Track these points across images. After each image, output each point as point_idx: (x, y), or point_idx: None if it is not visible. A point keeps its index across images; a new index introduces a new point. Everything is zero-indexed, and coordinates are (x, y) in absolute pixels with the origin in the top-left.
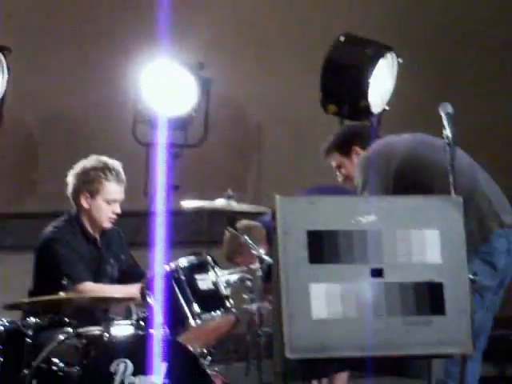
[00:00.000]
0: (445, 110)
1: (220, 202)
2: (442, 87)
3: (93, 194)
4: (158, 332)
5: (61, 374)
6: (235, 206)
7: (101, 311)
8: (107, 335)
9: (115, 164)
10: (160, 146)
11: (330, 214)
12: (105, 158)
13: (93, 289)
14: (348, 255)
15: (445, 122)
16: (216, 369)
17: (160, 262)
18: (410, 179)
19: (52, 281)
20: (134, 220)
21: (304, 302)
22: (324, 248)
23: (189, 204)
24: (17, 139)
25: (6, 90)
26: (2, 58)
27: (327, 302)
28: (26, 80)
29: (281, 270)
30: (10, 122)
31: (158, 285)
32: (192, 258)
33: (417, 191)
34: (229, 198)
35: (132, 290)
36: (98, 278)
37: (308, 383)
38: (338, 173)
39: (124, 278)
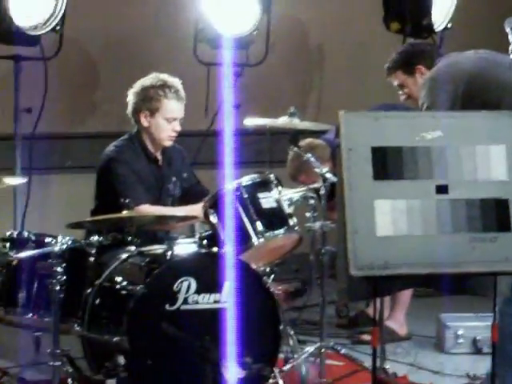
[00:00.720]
0: (511, 26)
1: (283, 120)
2: (506, 2)
3: (152, 112)
4: (222, 250)
5: (124, 292)
6: (298, 123)
7: (163, 232)
8: (170, 253)
9: (174, 81)
10: (222, 66)
11: (394, 130)
12: (164, 76)
13: (151, 211)
14: (413, 172)
15: (511, 38)
16: (279, 287)
17: (223, 181)
18: (478, 100)
19: (113, 200)
20: (196, 140)
21: (368, 219)
22: (388, 164)
23: (251, 122)
24: (78, 61)
25: (65, 12)
26: None
27: (392, 218)
28: (86, 1)
29: (345, 187)
30: (71, 43)
31: (221, 203)
32: (255, 177)
33: None
34: (291, 115)
35: (195, 209)
36: (159, 197)
37: (371, 301)
38: (400, 92)
39: (186, 197)
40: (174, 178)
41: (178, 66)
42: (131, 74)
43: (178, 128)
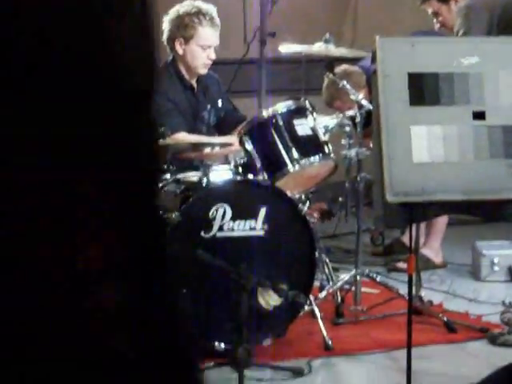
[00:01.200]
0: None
1: (318, 47)
2: None
3: (187, 39)
4: (257, 177)
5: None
6: (333, 50)
7: (199, 160)
8: (206, 181)
9: (209, 8)
10: None
11: (431, 56)
12: (199, 3)
13: (187, 139)
14: (449, 98)
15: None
16: (314, 215)
17: (258, 109)
18: None
19: None
20: (232, 68)
21: (404, 145)
22: (425, 90)
23: (287, 49)
24: None
25: None
26: None
27: (428, 144)
28: None
29: (381, 113)
30: None
31: (256, 131)
32: (290, 104)
33: None
34: (327, 42)
35: (231, 138)
36: (194, 125)
37: (406, 229)
38: (434, 20)
39: (222, 125)
40: (208, 106)
41: None
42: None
43: (213, 56)
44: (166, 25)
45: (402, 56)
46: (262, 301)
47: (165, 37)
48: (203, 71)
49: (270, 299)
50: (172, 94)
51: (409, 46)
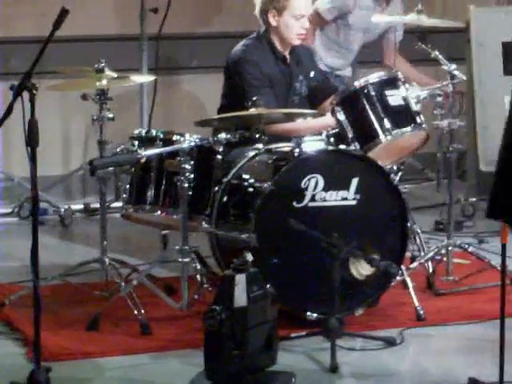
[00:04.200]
0: None
1: (410, 17)
2: None
3: (280, 10)
4: (349, 148)
5: (251, 189)
6: (425, 20)
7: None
8: (298, 151)
9: None
10: None
11: None
12: None
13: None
14: None
15: None
16: (405, 186)
17: (350, 79)
18: None
19: (241, 100)
20: None
21: (498, 115)
22: None
23: (379, 19)
24: None
25: None
26: None
27: None
28: None
29: (475, 83)
30: None
31: (348, 101)
32: (382, 74)
33: None
34: (419, 12)
35: (324, 120)
36: (287, 96)
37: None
38: None
39: (313, 95)
40: (301, 77)
41: None
42: None
43: (307, 25)
44: None
45: (496, 25)
46: (353, 271)
47: (257, 9)
48: (297, 42)
49: (362, 269)
50: (265, 66)
51: (503, 14)
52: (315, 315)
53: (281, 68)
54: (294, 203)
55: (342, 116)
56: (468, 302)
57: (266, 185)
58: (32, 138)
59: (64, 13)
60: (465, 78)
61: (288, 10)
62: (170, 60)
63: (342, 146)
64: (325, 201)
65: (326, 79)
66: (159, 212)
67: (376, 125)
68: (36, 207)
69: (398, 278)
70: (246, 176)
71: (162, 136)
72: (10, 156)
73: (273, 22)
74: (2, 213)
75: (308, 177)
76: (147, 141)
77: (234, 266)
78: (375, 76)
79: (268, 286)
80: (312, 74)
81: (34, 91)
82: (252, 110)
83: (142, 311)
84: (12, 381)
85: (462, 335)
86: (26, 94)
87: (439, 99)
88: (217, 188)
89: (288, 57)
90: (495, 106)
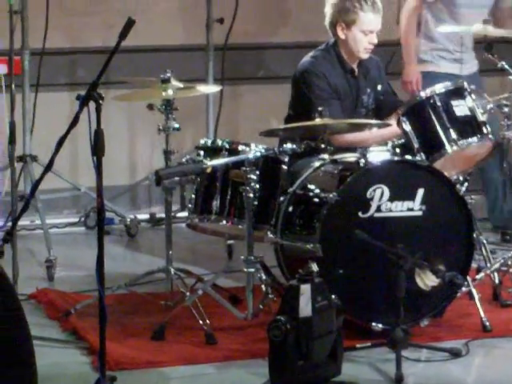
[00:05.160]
0: None
1: (477, 28)
2: None
3: (349, 24)
4: (415, 158)
5: (317, 200)
6: (492, 31)
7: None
8: (364, 161)
9: None
10: None
11: None
12: None
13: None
14: None
15: None
16: (472, 197)
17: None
18: None
19: (308, 111)
20: (388, 50)
21: None
22: None
23: (445, 30)
24: None
25: None
26: None
27: None
28: None
29: None
30: None
31: (414, 111)
32: (448, 84)
33: None
34: (485, 22)
35: (389, 131)
36: (354, 109)
37: None
38: None
39: (381, 109)
40: (368, 90)
41: None
42: None
43: (375, 40)
44: (328, 8)
45: None
46: (419, 281)
47: (327, 20)
48: (365, 56)
49: (427, 280)
50: (333, 78)
51: None
52: (380, 326)
53: (348, 80)
54: (360, 213)
55: (407, 126)
56: None
57: (331, 195)
58: (98, 148)
59: (130, 23)
60: None
61: (356, 25)
62: (236, 70)
63: (408, 157)
64: (390, 211)
65: (393, 93)
66: (225, 222)
67: (442, 135)
68: (102, 217)
69: (464, 288)
70: (311, 186)
71: (227, 146)
72: (76, 166)
73: (341, 35)
74: (68, 222)
75: (374, 187)
76: (213, 151)
77: (299, 276)
78: (441, 86)
79: (333, 296)
80: (379, 87)
81: (101, 101)
82: (318, 120)
83: (207, 321)
84: None
85: None
86: (92, 104)
87: (506, 109)
88: (282, 198)
89: (356, 69)
90: None
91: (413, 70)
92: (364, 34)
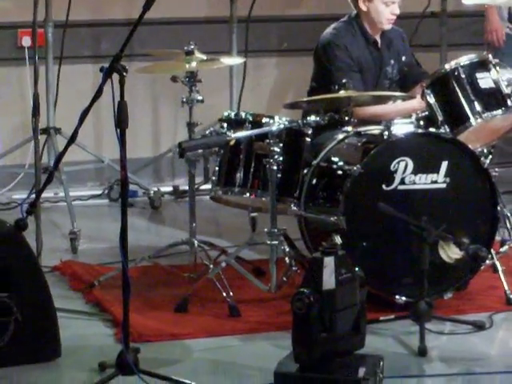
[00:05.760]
0: None
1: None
2: None
3: None
4: (439, 131)
5: (340, 172)
6: None
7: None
8: (388, 133)
9: None
10: None
11: None
12: None
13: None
14: None
15: None
16: (496, 170)
17: (440, 63)
18: None
19: (330, 83)
20: (413, 21)
21: None
22: None
23: (470, 2)
24: None
25: None
26: None
27: None
28: None
29: None
30: None
31: (439, 84)
32: (473, 57)
33: None
34: None
35: (413, 103)
36: (377, 80)
37: None
38: None
39: (405, 80)
40: (392, 61)
41: None
42: None
43: (397, 11)
44: None
45: None
46: (443, 254)
47: None
48: (387, 27)
49: (451, 253)
50: (355, 50)
51: None
52: (404, 298)
53: (371, 52)
54: (384, 186)
55: (432, 99)
56: None
57: (355, 168)
58: (121, 120)
59: None
60: None
61: None
62: (260, 42)
63: (432, 129)
64: (414, 184)
65: (417, 64)
66: (248, 194)
67: (466, 108)
68: (125, 189)
69: (488, 261)
70: (335, 159)
71: (251, 118)
72: (100, 138)
73: (363, 7)
74: (92, 194)
75: (397, 160)
76: (236, 123)
77: (322, 249)
78: (465, 58)
79: (356, 268)
80: (403, 58)
81: (124, 73)
82: (342, 93)
83: (231, 293)
84: (101, 361)
85: None
86: (115, 76)
87: None
88: (306, 171)
89: (379, 40)
90: None
91: (496, 19)
92: (386, 5)
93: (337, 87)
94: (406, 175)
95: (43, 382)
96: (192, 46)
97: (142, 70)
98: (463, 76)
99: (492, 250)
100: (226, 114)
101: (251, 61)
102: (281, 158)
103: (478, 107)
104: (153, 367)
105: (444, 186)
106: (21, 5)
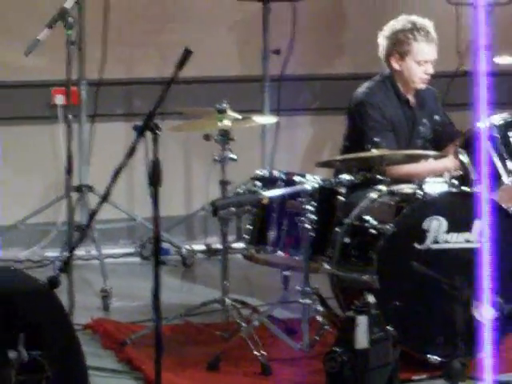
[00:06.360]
0: None
1: None
2: None
3: (403, 55)
4: (472, 189)
5: (373, 231)
6: None
7: None
8: (420, 192)
9: (425, 23)
10: (471, 5)
11: None
12: (414, 18)
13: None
14: None
15: None
16: None
17: (473, 122)
18: None
19: (363, 142)
20: (445, 81)
21: None
22: None
23: (503, 61)
24: (326, 2)
25: None
26: None
27: None
28: None
29: None
30: None
31: (472, 143)
32: (506, 116)
33: None
34: None
35: (446, 162)
36: (410, 140)
37: None
38: None
39: (438, 139)
40: (425, 120)
41: (427, 6)
42: (380, 15)
43: (431, 70)
44: (381, 40)
45: None
46: (476, 313)
47: (381, 52)
48: (420, 86)
49: (485, 312)
50: (388, 109)
51: None
52: (437, 358)
53: (404, 111)
54: (416, 245)
55: (465, 158)
56: None
57: (388, 226)
58: (155, 178)
59: (188, 54)
60: None
61: (411, 56)
62: (292, 101)
63: (466, 188)
64: (447, 243)
65: (450, 123)
66: (281, 253)
67: (499, 167)
68: (158, 247)
69: None
70: (367, 217)
71: (283, 177)
72: (132, 196)
73: (396, 66)
74: (124, 253)
75: (430, 218)
76: (269, 181)
77: (355, 308)
78: (499, 118)
79: (389, 327)
80: (436, 117)
81: (157, 131)
82: (374, 151)
83: (263, 352)
84: None
85: None
86: (149, 135)
87: None
88: (338, 229)
89: (412, 99)
90: None
91: None
92: (419, 65)
93: (370, 146)
94: (439, 234)
95: None
96: (224, 105)
97: (175, 128)
98: (496, 135)
99: None
100: (258, 172)
101: (284, 119)
102: (313, 217)
103: (510, 166)
104: None
105: (478, 244)
106: (54, 63)
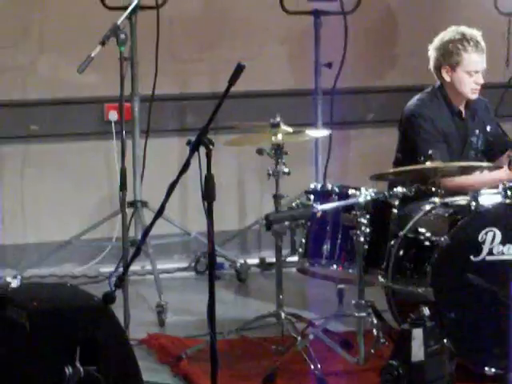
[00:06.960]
0: None
1: None
2: None
3: (453, 66)
4: None
5: (428, 243)
6: None
7: None
8: (475, 204)
9: (473, 33)
10: None
11: None
12: (463, 29)
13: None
14: None
15: None
16: None
17: None
18: None
19: (416, 154)
20: (497, 92)
21: None
22: None
23: None
24: (377, 15)
25: None
26: None
27: None
28: None
29: None
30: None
31: None
32: None
33: None
34: None
35: (500, 174)
36: (462, 151)
37: None
38: None
39: (490, 150)
40: (477, 131)
41: (477, 17)
42: (431, 26)
43: (481, 80)
44: (431, 53)
45: None
46: None
47: (431, 64)
48: (472, 96)
49: None
50: (440, 121)
51: None
52: (494, 370)
53: (456, 122)
54: (471, 257)
55: None
56: None
57: (442, 239)
58: (209, 193)
59: (240, 68)
60: None
61: (461, 66)
62: (345, 114)
63: None
64: (503, 254)
65: (504, 134)
66: (335, 266)
67: None
68: (213, 262)
69: None
70: (422, 230)
71: (337, 190)
72: (186, 211)
73: (446, 77)
74: (179, 267)
75: (485, 230)
76: (323, 195)
77: (410, 321)
78: None
79: (445, 340)
80: (488, 128)
81: (211, 146)
82: (428, 164)
83: (319, 366)
84: None
85: None
86: (202, 149)
87: None
88: (393, 242)
89: (464, 111)
90: None
91: None
92: (469, 75)
93: (423, 158)
94: (494, 246)
95: None
96: (278, 119)
97: (228, 142)
98: None
99: None
100: (312, 185)
101: (336, 132)
102: (368, 230)
103: None
104: None
105: None
106: (107, 79)
